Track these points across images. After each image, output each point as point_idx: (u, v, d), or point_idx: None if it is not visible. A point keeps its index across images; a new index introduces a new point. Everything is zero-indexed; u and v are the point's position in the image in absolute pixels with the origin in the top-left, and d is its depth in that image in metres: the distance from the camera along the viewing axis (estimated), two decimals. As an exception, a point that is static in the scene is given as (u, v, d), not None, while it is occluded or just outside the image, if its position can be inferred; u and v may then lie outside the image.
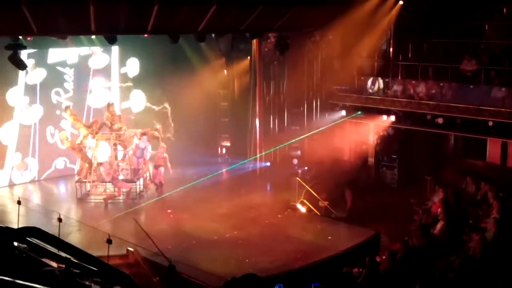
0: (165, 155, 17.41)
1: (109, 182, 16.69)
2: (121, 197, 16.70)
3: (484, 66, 16.54)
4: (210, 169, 18.76)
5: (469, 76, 16.90)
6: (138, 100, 20.23)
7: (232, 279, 2.93)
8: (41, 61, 17.93)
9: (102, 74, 19.45)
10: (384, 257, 12.04)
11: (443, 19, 17.67)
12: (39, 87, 18.08)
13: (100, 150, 17.26)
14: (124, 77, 19.90)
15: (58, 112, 18.44)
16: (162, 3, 12.46)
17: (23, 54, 16.63)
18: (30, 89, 17.89)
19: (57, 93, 18.47)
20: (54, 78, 18.36)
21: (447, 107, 16.49)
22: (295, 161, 19.06)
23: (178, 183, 17.54)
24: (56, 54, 18.19)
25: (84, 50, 18.64)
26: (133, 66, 20.09)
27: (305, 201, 16.71)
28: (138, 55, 19.92)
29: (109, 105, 17.94)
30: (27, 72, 17.23)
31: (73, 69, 18.72)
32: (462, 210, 15.10)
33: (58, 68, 18.42)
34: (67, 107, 17.67)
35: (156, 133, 17.72)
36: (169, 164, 17.42)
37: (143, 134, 17.19)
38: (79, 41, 17.21)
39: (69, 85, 18.73)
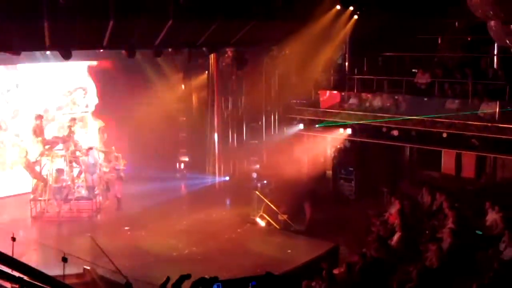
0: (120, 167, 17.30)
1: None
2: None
3: (438, 79, 16.87)
4: (168, 185, 18.62)
5: (423, 88, 17.21)
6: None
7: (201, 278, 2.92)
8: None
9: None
10: (342, 269, 12.11)
11: (397, 33, 17.99)
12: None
13: (55, 167, 16.97)
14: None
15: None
16: (118, 18, 12.39)
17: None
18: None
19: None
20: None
21: (402, 120, 16.74)
22: (254, 175, 19.06)
23: (135, 199, 17.37)
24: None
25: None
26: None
27: (264, 215, 16.72)
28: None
29: (70, 120, 17.78)
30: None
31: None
32: (418, 220, 15.32)
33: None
34: (39, 116, 17.35)
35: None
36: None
37: (89, 149, 17.01)
38: (33, 56, 16.95)
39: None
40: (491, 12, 8.61)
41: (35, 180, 17.13)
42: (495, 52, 16.66)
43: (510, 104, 15.41)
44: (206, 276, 2.76)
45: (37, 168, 17.06)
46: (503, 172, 17.44)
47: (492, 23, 9.14)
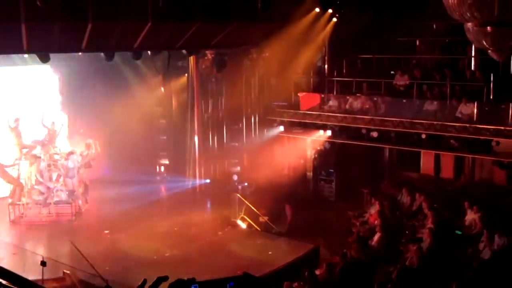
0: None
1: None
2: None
3: (416, 81, 17.00)
4: (148, 188, 18.54)
5: (402, 90, 17.34)
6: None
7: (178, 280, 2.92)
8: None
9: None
10: (322, 270, 12.13)
11: (376, 35, 18.11)
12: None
13: (32, 171, 16.82)
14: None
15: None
16: (96, 20, 12.31)
17: None
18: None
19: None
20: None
21: (382, 121, 16.84)
22: (235, 177, 19.05)
23: (115, 202, 17.28)
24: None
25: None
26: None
27: (245, 217, 16.72)
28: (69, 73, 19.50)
29: (51, 124, 17.66)
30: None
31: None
32: (398, 221, 15.43)
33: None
34: (17, 119, 17.14)
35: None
36: None
37: (70, 153, 16.90)
38: (11, 60, 16.77)
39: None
40: (468, 14, 8.68)
41: (12, 185, 16.96)
42: (473, 53, 16.84)
43: (488, 105, 15.61)
44: (184, 278, 2.75)
45: (15, 172, 16.89)
46: (481, 172, 17.62)
47: (469, 25, 9.23)
